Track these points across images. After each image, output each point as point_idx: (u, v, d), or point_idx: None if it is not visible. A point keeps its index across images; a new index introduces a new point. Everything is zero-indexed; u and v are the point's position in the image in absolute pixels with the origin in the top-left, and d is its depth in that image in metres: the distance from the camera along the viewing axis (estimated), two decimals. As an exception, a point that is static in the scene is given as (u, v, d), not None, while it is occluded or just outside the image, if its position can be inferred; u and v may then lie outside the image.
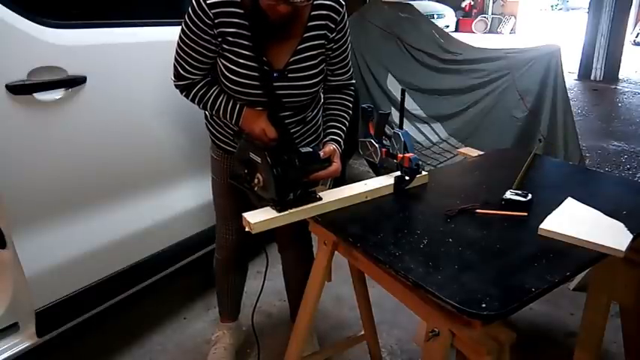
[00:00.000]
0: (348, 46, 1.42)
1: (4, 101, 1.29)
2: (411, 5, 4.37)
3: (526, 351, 1.89)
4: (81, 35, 1.50)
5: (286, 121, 1.39)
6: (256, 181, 1.26)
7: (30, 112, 1.36)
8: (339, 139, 1.41)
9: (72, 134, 1.47)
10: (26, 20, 1.33)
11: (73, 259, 1.52)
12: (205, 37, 1.25)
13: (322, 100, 1.58)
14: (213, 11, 1.21)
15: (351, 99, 1.50)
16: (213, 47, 1.28)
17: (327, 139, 1.40)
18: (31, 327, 1.47)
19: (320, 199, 1.26)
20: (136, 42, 1.65)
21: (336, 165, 1.32)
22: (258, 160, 1.24)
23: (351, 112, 1.49)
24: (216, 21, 1.23)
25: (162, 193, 1.79)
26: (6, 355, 1.42)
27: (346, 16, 1.36)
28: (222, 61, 1.29)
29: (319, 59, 1.34)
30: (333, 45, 1.36)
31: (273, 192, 1.21)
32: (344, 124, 1.45)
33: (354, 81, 1.50)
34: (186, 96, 1.40)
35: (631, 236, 1.08)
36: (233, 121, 1.37)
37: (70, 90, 1.43)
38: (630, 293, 1.46)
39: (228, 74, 1.30)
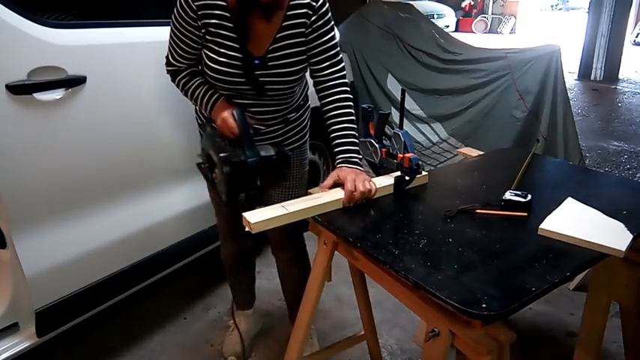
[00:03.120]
0: (332, 38, 1.37)
1: (4, 101, 1.29)
2: (411, 5, 4.38)
3: (526, 351, 1.89)
4: (81, 35, 1.50)
5: (267, 117, 1.41)
6: (214, 175, 1.29)
7: (30, 112, 1.36)
8: (355, 158, 1.34)
9: (72, 134, 1.47)
10: (26, 20, 1.34)
11: (73, 259, 1.52)
12: (189, 27, 1.31)
13: (309, 103, 1.58)
14: (196, 3, 1.27)
15: (351, 103, 1.41)
16: (197, 38, 1.33)
17: (339, 160, 1.35)
18: (31, 327, 1.47)
19: (264, 204, 1.26)
20: (136, 42, 1.65)
21: (350, 188, 1.24)
22: (214, 156, 1.27)
23: (354, 118, 1.41)
24: (199, 13, 1.27)
25: (162, 192, 1.79)
26: (6, 355, 1.42)
27: (327, 6, 1.34)
28: (206, 51, 1.34)
29: (299, 48, 1.34)
30: (313, 33, 1.34)
31: (224, 190, 1.23)
32: (354, 137, 1.37)
33: (347, 80, 1.43)
34: (173, 81, 1.46)
35: (631, 236, 1.08)
36: (207, 113, 1.41)
37: (70, 90, 1.43)
38: (630, 293, 1.46)
39: (210, 64, 1.33)
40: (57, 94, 1.40)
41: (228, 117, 1.32)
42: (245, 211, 1.20)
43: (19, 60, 1.32)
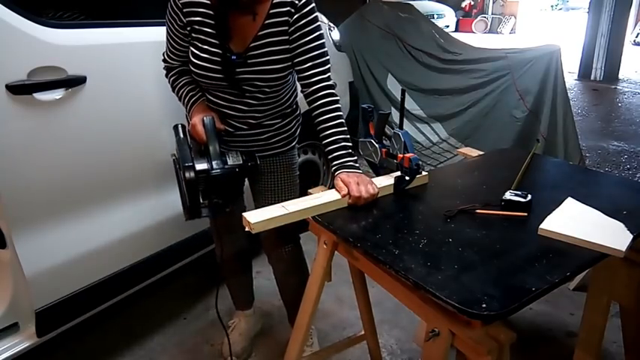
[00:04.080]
0: (316, 39, 1.34)
1: (4, 101, 1.29)
2: (411, 5, 4.38)
3: (526, 351, 1.89)
4: (81, 35, 1.50)
5: (249, 116, 1.42)
6: (181, 179, 1.31)
7: (30, 112, 1.36)
8: (350, 161, 1.32)
9: (72, 134, 1.47)
10: (26, 20, 1.34)
11: (73, 259, 1.52)
12: (177, 25, 1.35)
13: (298, 112, 1.57)
14: (181, 1, 1.31)
15: (337, 105, 1.37)
16: (184, 36, 1.37)
17: (335, 167, 1.33)
18: (31, 327, 1.47)
19: (228, 212, 1.30)
20: (136, 42, 1.65)
21: (356, 194, 1.23)
22: (180, 162, 1.29)
23: (343, 120, 1.37)
24: (184, 10, 1.32)
25: (162, 192, 1.79)
26: (6, 355, 1.42)
27: (311, 6, 1.33)
28: (191, 48, 1.37)
29: (280, 47, 1.34)
30: (295, 33, 1.32)
31: (186, 197, 1.24)
32: (345, 140, 1.34)
33: (333, 82, 1.38)
34: (166, 77, 1.51)
35: (631, 236, 1.08)
36: (186, 113, 1.47)
37: (70, 90, 1.43)
38: (630, 293, 1.46)
39: (193, 60, 1.36)
40: (57, 94, 1.40)
41: (197, 124, 1.34)
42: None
43: (19, 60, 1.32)
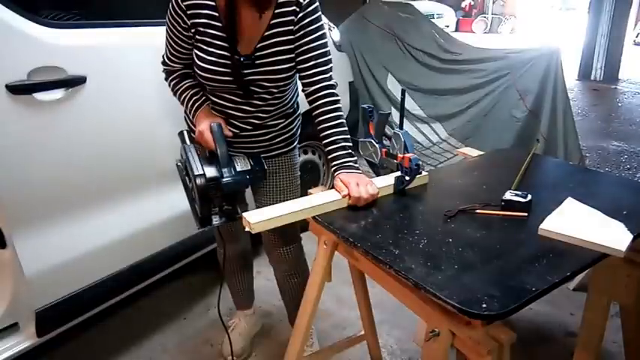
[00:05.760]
0: (319, 38, 1.34)
1: (4, 101, 1.29)
2: (411, 5, 4.38)
3: (526, 351, 1.89)
4: (81, 35, 1.50)
5: (254, 116, 1.41)
6: (191, 185, 1.29)
7: (30, 112, 1.36)
8: (350, 162, 1.32)
9: (72, 134, 1.47)
10: (26, 20, 1.34)
11: (72, 259, 1.52)
12: (179, 28, 1.32)
13: (299, 112, 1.57)
14: (185, 3, 1.28)
15: (338, 105, 1.37)
16: (187, 38, 1.34)
17: (335, 167, 1.33)
18: (31, 327, 1.47)
19: (239, 217, 1.28)
20: (136, 42, 1.65)
21: (356, 195, 1.23)
22: (190, 171, 1.28)
23: (344, 120, 1.37)
24: (188, 12, 1.29)
25: (162, 192, 1.79)
26: (6, 355, 1.43)
27: (315, 5, 1.33)
28: (195, 51, 1.34)
29: (287, 47, 1.33)
30: (299, 31, 1.32)
31: (198, 205, 1.24)
32: (345, 140, 1.34)
33: (334, 82, 1.38)
34: (166, 80, 1.48)
35: (631, 236, 1.08)
36: (190, 118, 1.44)
37: (70, 90, 1.43)
38: (630, 293, 1.46)
39: (199, 62, 1.33)
40: (57, 94, 1.40)
41: (205, 130, 1.32)
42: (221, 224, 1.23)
43: (19, 60, 1.33)
